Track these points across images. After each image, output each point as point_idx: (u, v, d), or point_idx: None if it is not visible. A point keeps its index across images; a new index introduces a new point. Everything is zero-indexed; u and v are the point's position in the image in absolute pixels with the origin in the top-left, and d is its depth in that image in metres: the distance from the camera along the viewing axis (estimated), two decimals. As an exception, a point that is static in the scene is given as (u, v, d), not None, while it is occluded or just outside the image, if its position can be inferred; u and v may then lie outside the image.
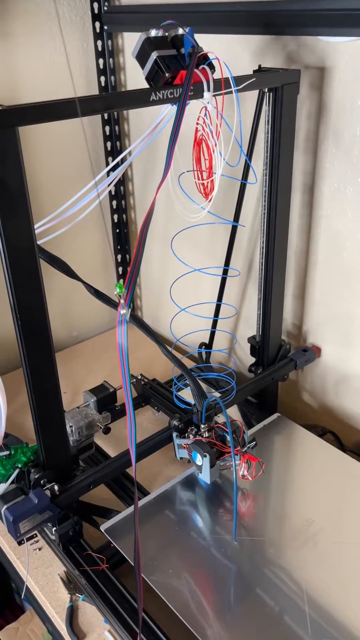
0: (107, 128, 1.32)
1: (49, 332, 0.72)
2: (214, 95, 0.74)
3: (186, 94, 0.68)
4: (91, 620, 0.82)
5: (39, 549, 0.92)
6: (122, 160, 0.83)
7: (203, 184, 0.90)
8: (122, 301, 0.50)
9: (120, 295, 0.51)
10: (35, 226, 0.79)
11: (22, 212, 0.63)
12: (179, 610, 0.72)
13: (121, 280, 0.53)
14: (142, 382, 1.20)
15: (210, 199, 0.87)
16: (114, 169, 0.80)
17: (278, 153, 0.90)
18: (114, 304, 0.87)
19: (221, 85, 0.74)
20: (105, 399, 1.04)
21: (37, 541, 0.93)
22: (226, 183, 1.12)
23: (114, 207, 1.40)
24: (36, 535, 0.94)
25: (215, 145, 0.83)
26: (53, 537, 0.87)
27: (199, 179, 0.90)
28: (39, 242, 0.80)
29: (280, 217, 0.95)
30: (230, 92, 0.75)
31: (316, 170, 1.00)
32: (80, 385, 1.30)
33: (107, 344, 1.47)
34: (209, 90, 0.72)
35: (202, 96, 0.73)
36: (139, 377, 1.21)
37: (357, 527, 0.84)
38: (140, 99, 0.69)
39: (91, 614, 0.83)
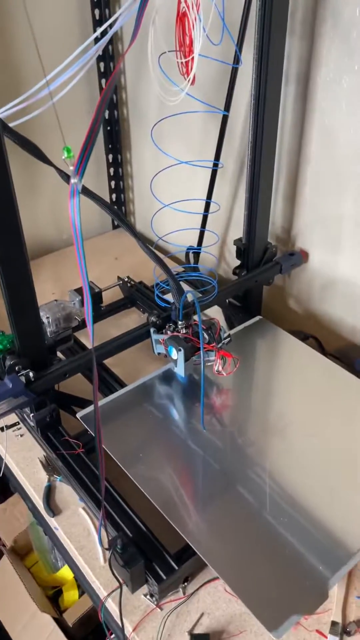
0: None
1: (18, 217, 0.65)
2: None
3: None
4: (67, 499, 0.81)
5: (21, 435, 0.90)
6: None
7: (184, 63, 0.77)
8: (72, 168, 0.41)
9: (68, 162, 0.41)
10: (7, 105, 0.68)
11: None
12: (145, 487, 0.72)
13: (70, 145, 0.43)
14: (129, 284, 1.13)
15: (190, 80, 0.75)
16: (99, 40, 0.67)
17: (269, 34, 0.77)
18: (96, 199, 0.77)
19: None
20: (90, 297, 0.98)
21: (19, 428, 0.91)
22: (220, 71, 0.98)
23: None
24: (18, 423, 0.91)
25: (195, 19, 0.70)
26: (32, 423, 0.84)
27: (180, 58, 0.77)
28: (12, 124, 0.70)
29: (269, 108, 0.84)
30: None
31: (312, 58, 0.86)
32: (69, 286, 1.23)
33: (97, 247, 1.39)
34: None
35: None
36: (126, 279, 1.14)
37: (325, 423, 0.80)
38: None
39: (67, 493, 0.82)
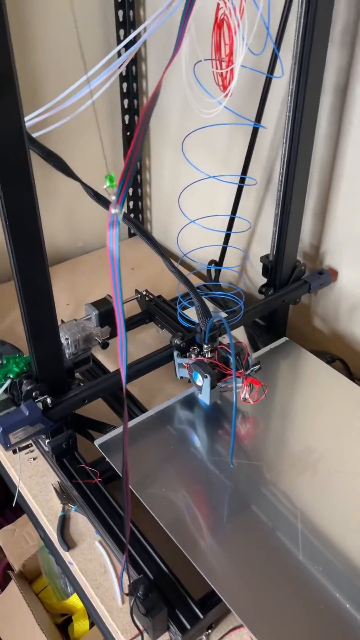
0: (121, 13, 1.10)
1: (41, 236, 0.60)
2: None
3: None
4: (82, 531, 0.76)
5: (34, 459, 0.85)
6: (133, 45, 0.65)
7: (221, 74, 0.72)
8: (113, 198, 0.36)
9: (110, 191, 0.36)
10: (30, 116, 0.64)
11: (8, 88, 0.48)
12: (167, 525, 0.66)
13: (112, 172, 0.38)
14: (147, 298, 1.08)
15: (228, 93, 0.70)
16: (126, 48, 0.63)
17: (310, 44, 0.72)
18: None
19: None
20: (107, 313, 0.93)
21: (32, 451, 0.86)
22: (249, 80, 0.93)
23: (125, 106, 1.21)
24: (31, 445, 0.86)
25: (238, 25, 0.64)
26: (47, 449, 0.79)
27: (217, 68, 0.72)
28: (34, 135, 0.65)
29: (306, 121, 0.78)
30: None
31: (352, 68, 0.81)
32: (84, 297, 1.18)
33: (113, 255, 1.33)
34: None
35: None
36: (144, 293, 1.09)
37: (358, 458, 0.75)
38: None
39: (82, 525, 0.77)
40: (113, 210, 0.40)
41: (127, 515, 0.57)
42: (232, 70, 0.68)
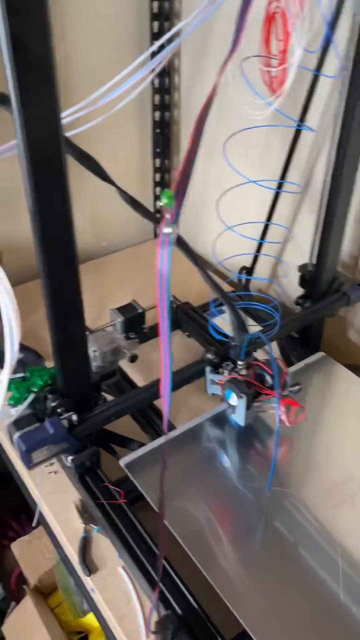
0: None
1: (74, 246, 0.55)
2: None
3: None
4: (104, 554, 0.72)
5: (54, 472, 0.81)
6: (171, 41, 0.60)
7: (270, 73, 0.66)
8: (167, 216, 0.31)
9: (166, 209, 0.31)
10: (66, 113, 0.59)
11: (48, 91, 0.43)
12: (195, 555, 0.63)
13: (168, 188, 0.33)
14: (174, 305, 1.03)
15: (280, 94, 0.64)
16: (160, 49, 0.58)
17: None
18: (152, 217, 0.67)
19: None
20: (132, 319, 0.89)
21: (52, 464, 0.81)
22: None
23: (156, 102, 1.16)
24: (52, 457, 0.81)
25: (298, 16, 0.59)
26: (69, 465, 0.74)
27: (266, 66, 0.66)
28: (66, 134, 0.61)
29: (358, 122, 0.72)
30: None
31: None
32: (107, 300, 1.13)
33: (139, 257, 1.29)
34: None
35: None
36: (171, 299, 1.03)
37: None
38: None
39: (105, 548, 0.72)
40: (165, 230, 0.35)
41: (160, 551, 0.52)
42: (284, 69, 0.62)
